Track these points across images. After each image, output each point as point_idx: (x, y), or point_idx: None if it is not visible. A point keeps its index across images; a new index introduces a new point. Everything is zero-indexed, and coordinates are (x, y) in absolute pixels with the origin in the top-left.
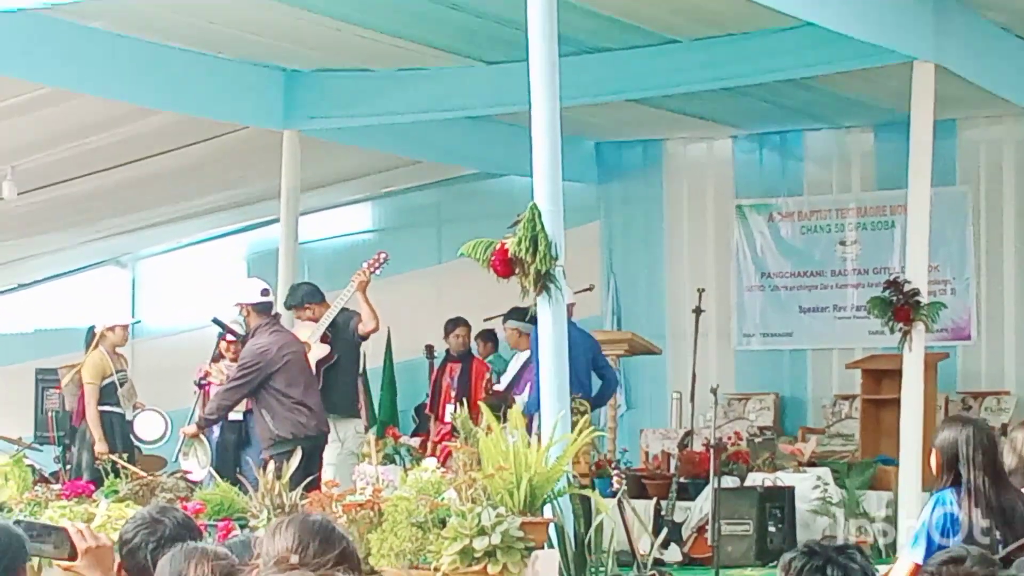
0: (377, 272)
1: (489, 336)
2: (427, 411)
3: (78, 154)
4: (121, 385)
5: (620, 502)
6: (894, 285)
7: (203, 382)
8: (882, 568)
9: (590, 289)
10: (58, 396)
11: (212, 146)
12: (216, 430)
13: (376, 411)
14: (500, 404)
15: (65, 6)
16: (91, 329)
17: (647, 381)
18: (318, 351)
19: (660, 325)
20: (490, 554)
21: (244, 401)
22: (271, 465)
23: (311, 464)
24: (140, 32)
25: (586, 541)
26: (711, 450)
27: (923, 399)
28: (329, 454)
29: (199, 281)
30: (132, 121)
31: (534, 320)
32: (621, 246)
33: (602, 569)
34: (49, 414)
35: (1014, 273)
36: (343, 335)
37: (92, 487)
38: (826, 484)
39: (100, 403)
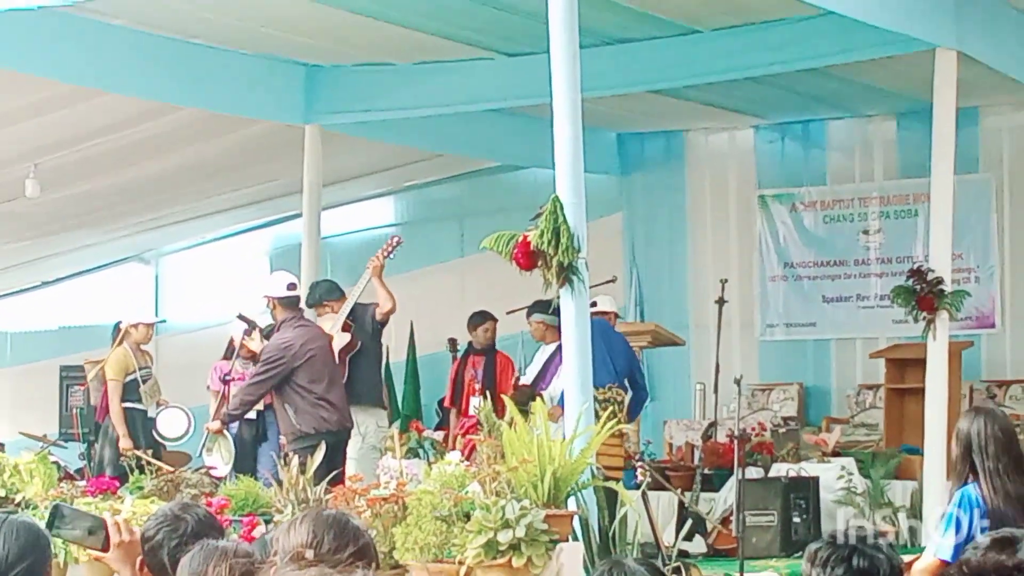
0: (391, 256)
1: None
2: (447, 404)
3: (100, 151)
4: (144, 382)
5: (644, 494)
6: (917, 274)
7: (227, 377)
8: (907, 557)
9: (613, 280)
10: (83, 393)
11: (234, 142)
12: (235, 424)
13: (400, 405)
14: (528, 399)
15: (88, 3)
16: (117, 325)
17: (670, 372)
18: (340, 340)
19: (683, 316)
20: (515, 547)
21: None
22: (295, 460)
23: (335, 459)
24: (162, 29)
25: (610, 533)
26: (735, 441)
27: (947, 388)
28: (351, 448)
29: (222, 277)
30: (154, 118)
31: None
32: (643, 237)
33: None
34: (74, 411)
35: None
36: (363, 326)
37: (117, 483)
38: (850, 474)
39: (123, 399)
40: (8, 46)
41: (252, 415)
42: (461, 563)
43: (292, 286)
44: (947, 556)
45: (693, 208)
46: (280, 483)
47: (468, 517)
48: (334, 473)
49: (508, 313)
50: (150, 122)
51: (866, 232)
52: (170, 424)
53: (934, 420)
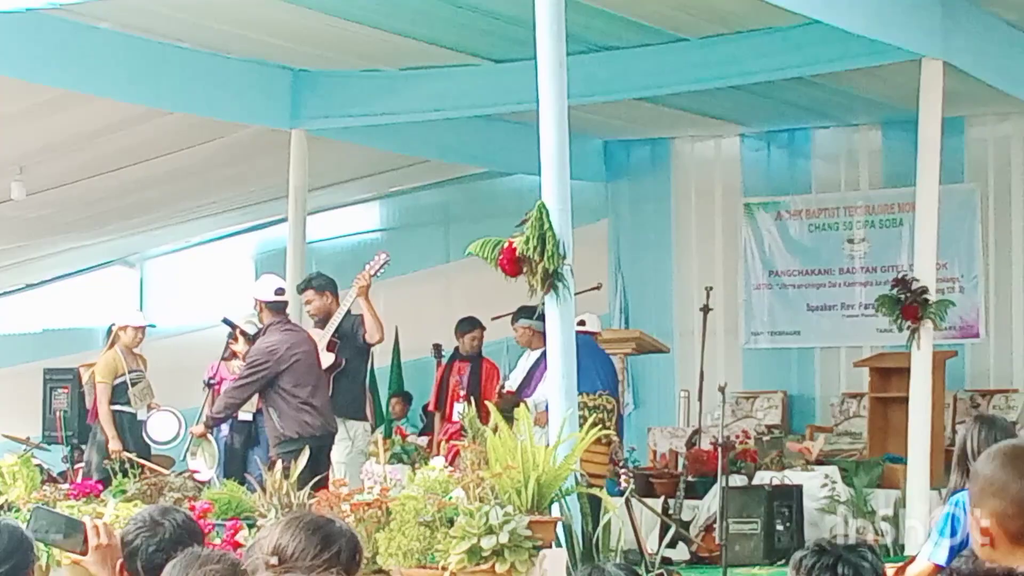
0: (378, 275)
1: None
2: (431, 409)
3: (86, 155)
4: (133, 385)
5: (628, 501)
6: (902, 283)
7: (213, 381)
8: (889, 565)
9: (598, 287)
10: (66, 396)
11: (220, 146)
12: (224, 429)
13: (384, 410)
14: (512, 406)
15: (72, 6)
16: (110, 328)
17: (655, 380)
18: (325, 359)
19: (668, 323)
20: (498, 553)
21: (256, 400)
22: (279, 464)
23: (318, 463)
24: (147, 32)
25: (594, 540)
26: (719, 448)
27: (931, 397)
28: (340, 453)
29: (207, 281)
30: (139, 122)
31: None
32: (629, 244)
33: None
34: (57, 414)
35: (1023, 271)
36: (351, 342)
37: (100, 487)
38: (834, 482)
39: (111, 402)
40: None
41: (248, 417)
42: (444, 568)
43: (280, 291)
44: (941, 560)
45: (678, 216)
46: (264, 487)
47: (451, 523)
48: (318, 478)
49: (493, 319)
50: (136, 126)
51: (851, 241)
52: (161, 427)
53: (918, 429)
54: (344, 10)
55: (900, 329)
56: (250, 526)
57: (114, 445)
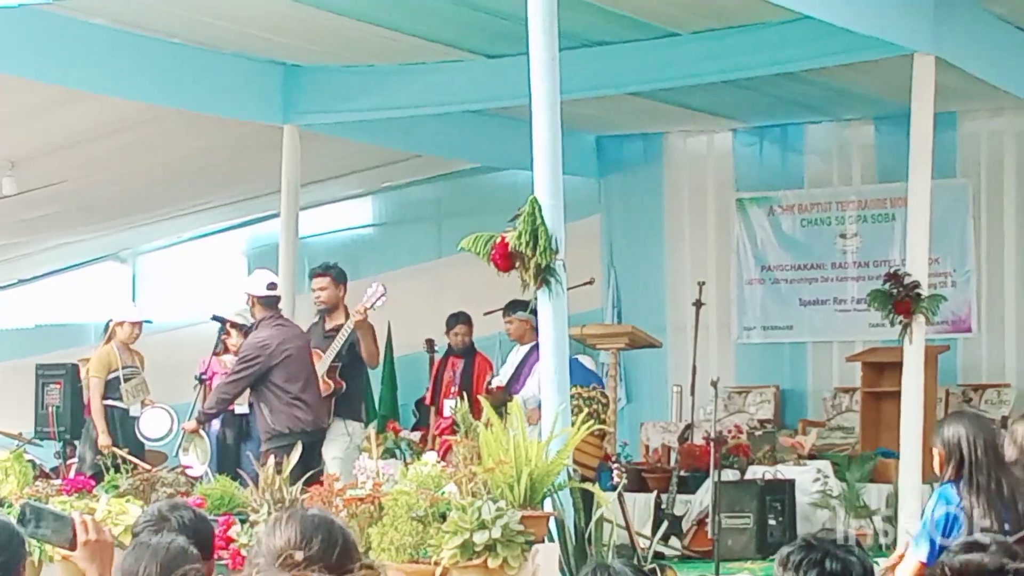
0: (374, 308)
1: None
2: (427, 403)
3: (78, 150)
4: (127, 380)
5: (620, 495)
6: (894, 278)
7: (204, 377)
8: (881, 560)
9: (591, 282)
10: (58, 391)
11: (212, 141)
12: (217, 424)
13: (376, 406)
14: (503, 402)
15: (66, 1)
16: (108, 322)
17: (647, 374)
18: (323, 387)
19: (660, 318)
20: (490, 548)
21: (249, 394)
22: (271, 459)
23: (310, 459)
24: (140, 28)
25: (586, 535)
26: (711, 443)
27: (923, 392)
28: (338, 448)
29: (199, 276)
30: (132, 118)
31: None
32: (621, 240)
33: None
34: (50, 409)
35: (1014, 266)
36: (349, 352)
37: (92, 482)
38: (826, 477)
39: (104, 397)
40: None
41: (244, 410)
42: (437, 564)
43: (272, 286)
44: (924, 557)
45: (671, 211)
46: (256, 482)
47: (444, 518)
48: (310, 473)
49: (485, 315)
50: (128, 121)
51: (843, 236)
52: (153, 424)
53: (910, 424)
54: (337, 5)
55: (892, 324)
56: (242, 521)
57: (103, 440)
